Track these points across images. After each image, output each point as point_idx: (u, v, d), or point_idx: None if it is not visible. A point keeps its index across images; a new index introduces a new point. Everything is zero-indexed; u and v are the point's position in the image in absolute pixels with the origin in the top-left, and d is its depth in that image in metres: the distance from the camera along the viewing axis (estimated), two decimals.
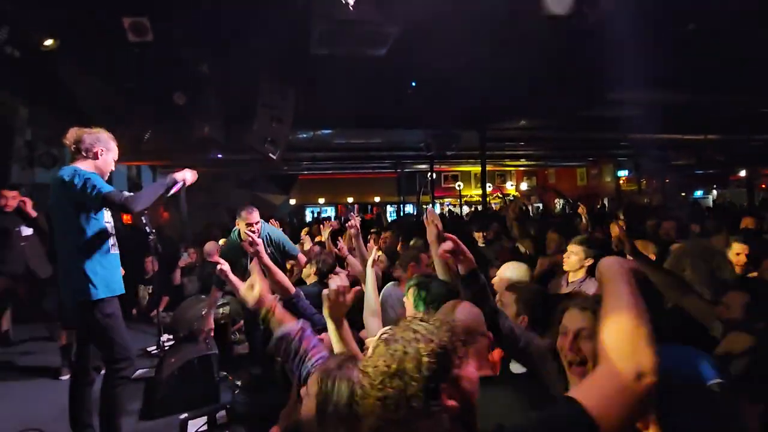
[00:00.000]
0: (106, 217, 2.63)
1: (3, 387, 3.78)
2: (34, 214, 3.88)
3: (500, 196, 17.26)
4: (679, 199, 14.32)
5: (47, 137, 6.30)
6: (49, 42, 4.26)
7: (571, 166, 18.02)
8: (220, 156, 9.21)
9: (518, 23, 4.55)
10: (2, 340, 4.73)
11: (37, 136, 6.27)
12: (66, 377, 3.63)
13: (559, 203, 16.01)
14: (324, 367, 1.31)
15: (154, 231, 4.56)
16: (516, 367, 1.78)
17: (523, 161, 16.13)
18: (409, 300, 2.03)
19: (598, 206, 14.98)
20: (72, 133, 2.60)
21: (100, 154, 2.60)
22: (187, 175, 2.80)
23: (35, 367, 4.19)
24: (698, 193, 15.87)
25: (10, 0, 4.07)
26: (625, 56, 4.59)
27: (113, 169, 2.74)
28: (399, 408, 0.79)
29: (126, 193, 2.52)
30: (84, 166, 2.56)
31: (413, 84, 6.51)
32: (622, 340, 0.77)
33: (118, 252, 2.73)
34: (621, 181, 16.70)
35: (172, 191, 2.76)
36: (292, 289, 2.43)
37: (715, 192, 15.77)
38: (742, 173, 13.84)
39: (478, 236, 5.26)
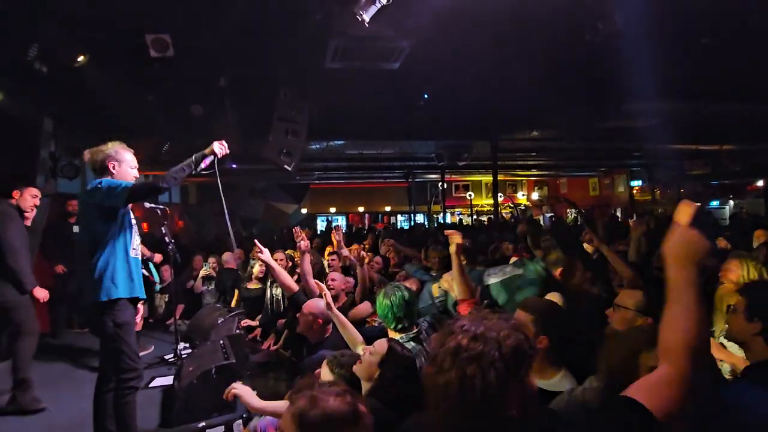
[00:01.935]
0: (132, 220, 2.68)
1: None
2: (29, 223, 3.59)
3: (511, 205, 17.19)
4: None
5: (70, 149, 6.49)
6: (80, 59, 4.40)
7: (583, 176, 17.87)
8: (234, 166, 9.37)
9: (530, 35, 4.59)
10: None
11: (60, 147, 6.45)
12: None
13: (570, 213, 15.88)
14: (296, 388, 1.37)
15: (173, 241, 4.66)
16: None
17: (534, 171, 16.05)
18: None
19: (611, 216, 14.82)
20: (86, 156, 2.69)
21: (114, 168, 2.65)
22: (216, 148, 2.66)
23: (59, 373, 4.28)
24: (714, 203, 15.58)
25: (39, 18, 4.24)
26: (638, 66, 4.59)
27: (137, 175, 2.75)
28: (473, 390, 0.85)
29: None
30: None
31: (426, 96, 6.58)
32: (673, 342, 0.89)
33: (139, 257, 2.72)
34: (634, 191, 16.50)
35: (202, 166, 2.65)
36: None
37: (731, 202, 15.44)
38: (760, 183, 13.55)
39: (509, 247, 5.09)
